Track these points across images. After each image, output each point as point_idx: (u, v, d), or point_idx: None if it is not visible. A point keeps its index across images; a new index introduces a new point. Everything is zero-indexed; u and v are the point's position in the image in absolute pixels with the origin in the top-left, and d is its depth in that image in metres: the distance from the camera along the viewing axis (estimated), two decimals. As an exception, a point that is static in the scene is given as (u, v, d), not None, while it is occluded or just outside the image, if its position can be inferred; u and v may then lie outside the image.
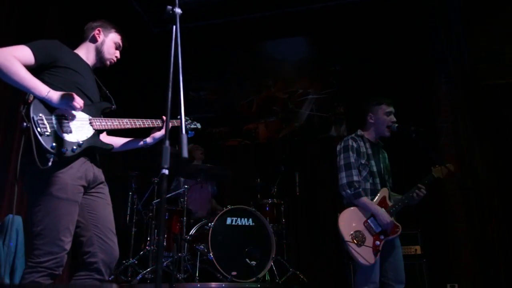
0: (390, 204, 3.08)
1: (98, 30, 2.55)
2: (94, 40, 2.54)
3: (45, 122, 2.08)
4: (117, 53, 2.62)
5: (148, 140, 2.62)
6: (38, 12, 4.37)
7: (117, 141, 2.57)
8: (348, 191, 3.05)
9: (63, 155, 2.09)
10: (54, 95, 2.10)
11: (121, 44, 2.62)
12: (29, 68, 2.14)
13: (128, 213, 4.61)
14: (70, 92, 2.14)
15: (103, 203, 2.35)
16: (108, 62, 2.58)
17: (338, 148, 3.25)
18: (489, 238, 4.58)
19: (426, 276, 4.25)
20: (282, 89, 6.37)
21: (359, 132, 3.31)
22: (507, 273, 4.38)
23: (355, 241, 2.92)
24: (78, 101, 2.14)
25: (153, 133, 2.62)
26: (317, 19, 6.07)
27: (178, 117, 2.63)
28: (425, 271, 4.27)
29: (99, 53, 2.54)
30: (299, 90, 6.28)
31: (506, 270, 4.39)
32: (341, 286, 4.88)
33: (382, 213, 2.99)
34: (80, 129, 2.22)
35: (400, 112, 3.36)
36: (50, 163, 2.02)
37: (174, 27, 1.81)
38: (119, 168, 5.01)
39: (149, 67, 6.16)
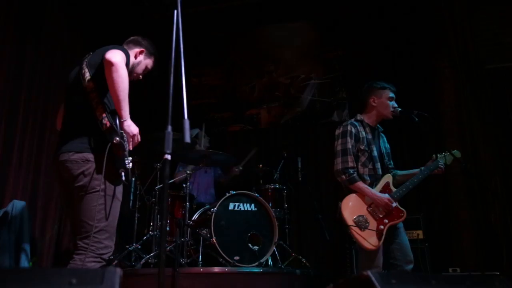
0: (393, 190, 3.09)
1: (142, 51, 2.73)
2: (134, 56, 2.71)
3: (126, 141, 2.31)
4: (141, 75, 2.81)
5: None
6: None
7: None
8: (343, 176, 3.07)
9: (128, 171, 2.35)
10: (130, 125, 2.33)
11: (150, 70, 2.83)
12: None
13: (131, 198, 4.63)
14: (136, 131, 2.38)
15: None
16: (131, 78, 2.71)
17: (336, 132, 3.24)
18: (491, 223, 4.59)
19: (428, 261, 4.27)
20: (284, 74, 6.32)
21: (359, 116, 3.29)
22: (509, 258, 4.39)
23: (358, 225, 2.93)
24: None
25: None
26: (319, 3, 6.00)
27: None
28: (427, 256, 4.30)
29: (132, 68, 2.70)
30: (301, 75, 6.24)
31: (508, 255, 4.41)
32: (343, 270, 4.91)
33: (378, 196, 3.00)
34: None
35: (403, 97, 3.34)
36: (123, 178, 2.29)
37: (176, 12, 1.79)
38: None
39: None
